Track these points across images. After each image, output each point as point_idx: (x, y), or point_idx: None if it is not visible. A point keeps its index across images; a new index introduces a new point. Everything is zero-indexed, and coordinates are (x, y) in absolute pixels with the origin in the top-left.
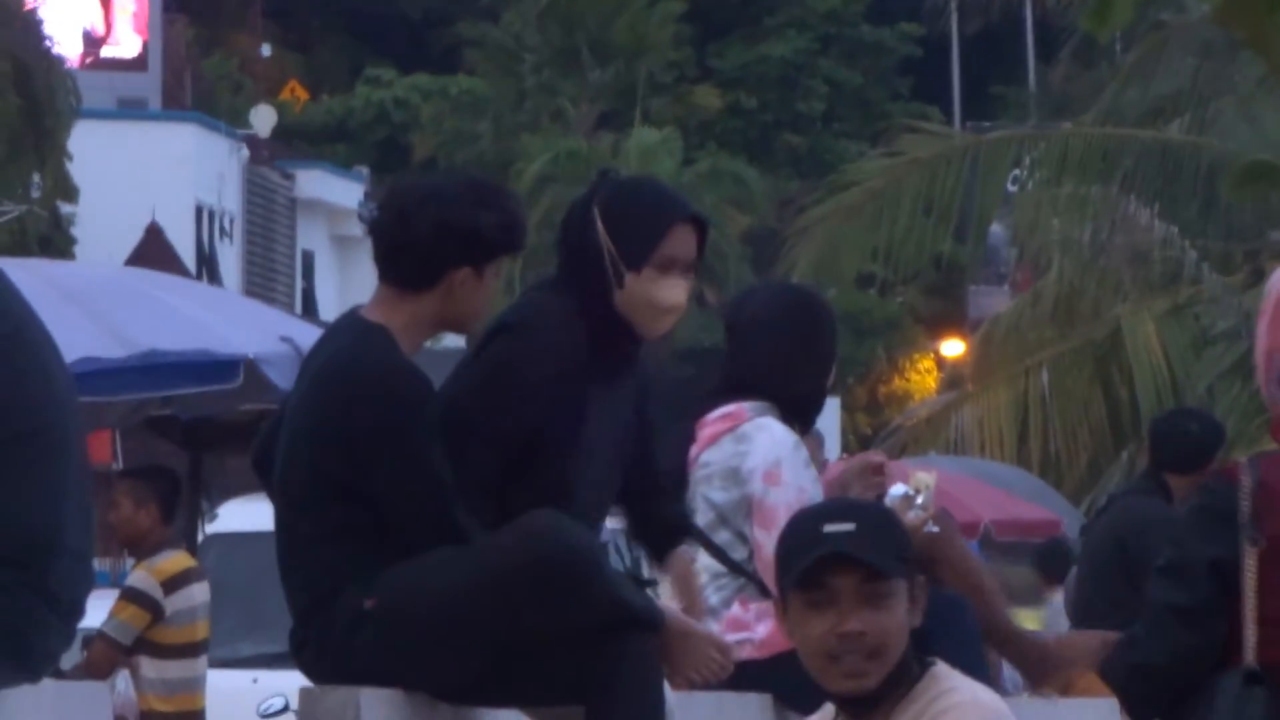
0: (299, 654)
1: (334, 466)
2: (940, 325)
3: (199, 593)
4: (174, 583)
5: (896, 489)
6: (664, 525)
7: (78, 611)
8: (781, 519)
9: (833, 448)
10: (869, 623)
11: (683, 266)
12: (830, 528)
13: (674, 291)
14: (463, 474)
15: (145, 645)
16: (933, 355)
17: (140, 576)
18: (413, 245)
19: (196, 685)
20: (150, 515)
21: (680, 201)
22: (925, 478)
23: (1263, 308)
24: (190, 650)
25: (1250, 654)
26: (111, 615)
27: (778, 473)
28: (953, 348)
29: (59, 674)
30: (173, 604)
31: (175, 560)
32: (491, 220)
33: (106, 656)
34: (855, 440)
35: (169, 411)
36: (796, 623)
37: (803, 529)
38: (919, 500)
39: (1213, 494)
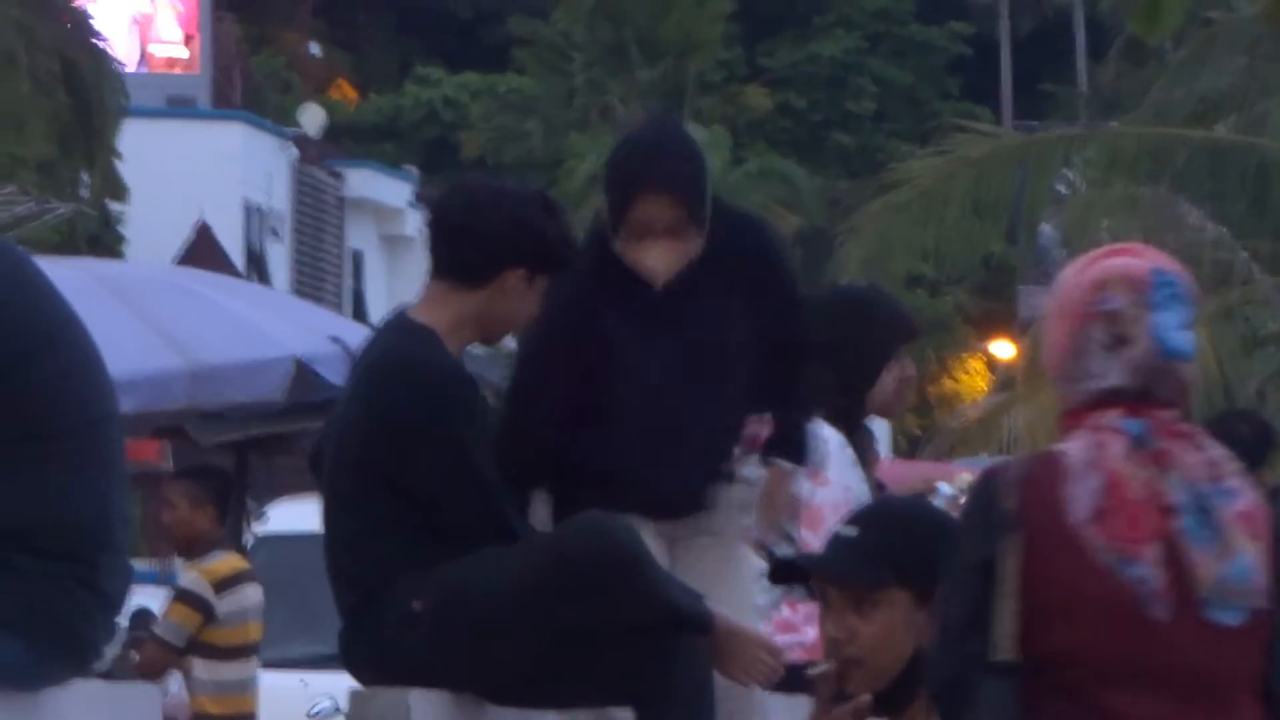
0: (347, 655)
1: (382, 462)
2: (990, 326)
3: (251, 594)
4: (225, 583)
5: (944, 488)
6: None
7: (119, 606)
8: (828, 519)
9: (882, 450)
10: (848, 629)
11: (660, 231)
12: (840, 530)
13: (648, 256)
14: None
15: (197, 647)
16: (983, 356)
17: (192, 578)
18: (480, 232)
19: (248, 687)
20: (208, 516)
21: (643, 172)
22: (970, 479)
23: (1049, 311)
24: (242, 652)
25: (1005, 649)
26: (163, 617)
27: (824, 472)
28: (1003, 348)
29: (108, 675)
30: (224, 605)
31: (227, 561)
32: (556, 232)
33: (159, 658)
34: (904, 441)
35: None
36: None
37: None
38: (962, 502)
39: (979, 495)
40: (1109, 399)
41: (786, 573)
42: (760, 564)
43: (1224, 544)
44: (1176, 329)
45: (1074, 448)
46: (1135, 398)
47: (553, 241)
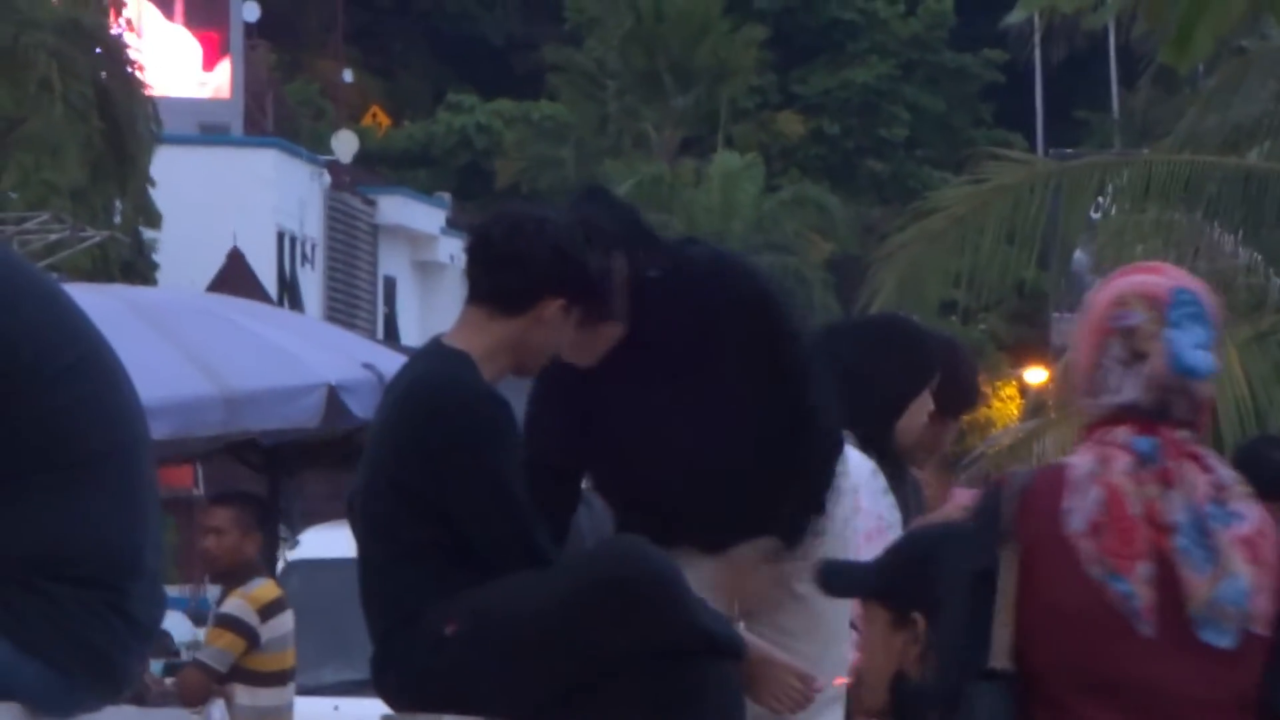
0: (379, 680)
1: (416, 485)
2: (1023, 352)
3: (289, 620)
4: (269, 610)
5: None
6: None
7: (153, 634)
8: (861, 548)
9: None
10: (858, 645)
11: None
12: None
13: (563, 349)
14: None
15: (240, 673)
16: (1015, 382)
17: (237, 604)
18: (521, 259)
19: (287, 712)
20: (255, 543)
21: None
22: None
23: (1079, 325)
24: (281, 678)
25: (1001, 657)
26: (208, 643)
27: (855, 500)
28: (1036, 375)
29: (138, 699)
30: (268, 631)
31: (268, 588)
32: (598, 265)
33: (201, 684)
34: None
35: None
36: None
37: None
38: None
39: (983, 506)
40: (1124, 415)
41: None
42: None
43: (1220, 566)
44: (1192, 347)
45: (1079, 461)
46: (1150, 415)
47: (593, 274)
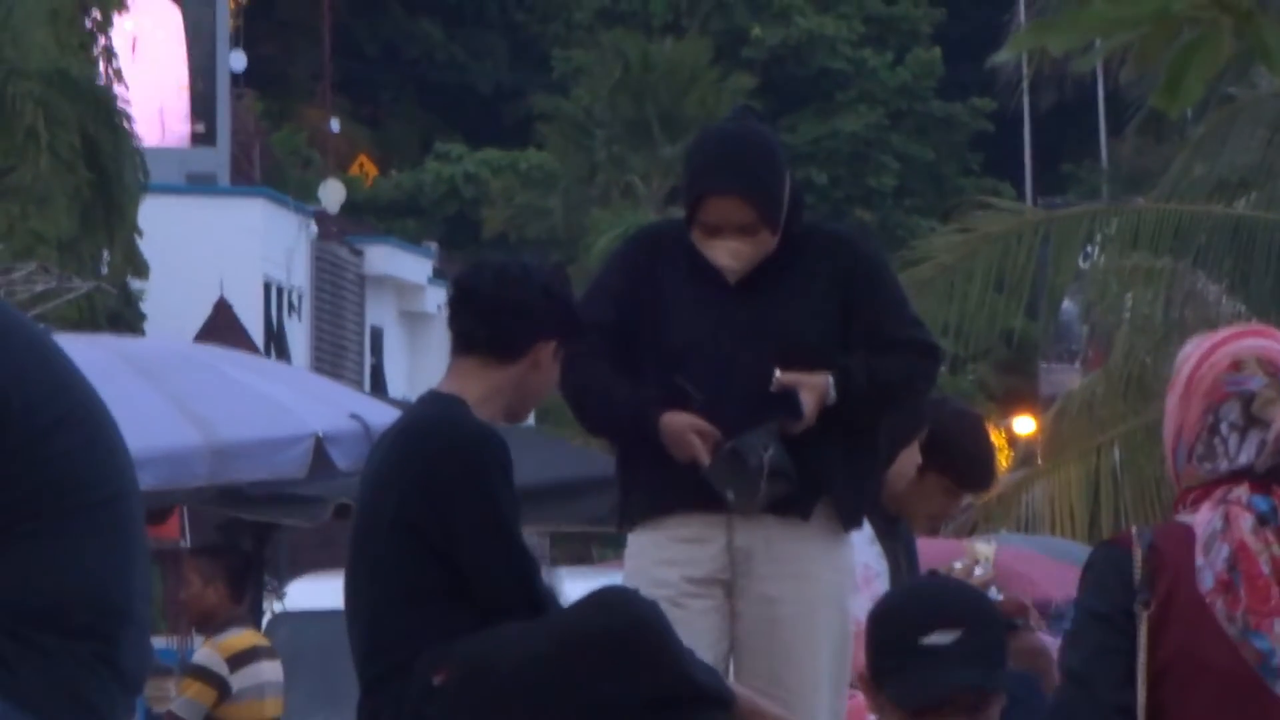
0: None
1: (417, 524)
2: (1012, 402)
3: (268, 670)
4: (240, 659)
5: (956, 565)
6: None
7: (140, 685)
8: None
9: None
10: None
11: (731, 230)
12: (932, 639)
13: (716, 252)
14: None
15: None
16: (1004, 432)
17: (205, 654)
18: (515, 307)
19: None
20: (218, 592)
21: (714, 174)
22: (983, 549)
23: (1171, 385)
24: None
25: (1141, 715)
26: (179, 693)
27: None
28: (1024, 425)
29: None
30: (239, 680)
31: (242, 637)
32: (575, 304)
33: None
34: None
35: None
36: None
37: (901, 633)
38: (976, 572)
39: (1106, 559)
40: (1237, 477)
41: None
42: (846, 623)
43: None
44: None
45: (1203, 520)
46: (1263, 475)
47: (577, 313)
